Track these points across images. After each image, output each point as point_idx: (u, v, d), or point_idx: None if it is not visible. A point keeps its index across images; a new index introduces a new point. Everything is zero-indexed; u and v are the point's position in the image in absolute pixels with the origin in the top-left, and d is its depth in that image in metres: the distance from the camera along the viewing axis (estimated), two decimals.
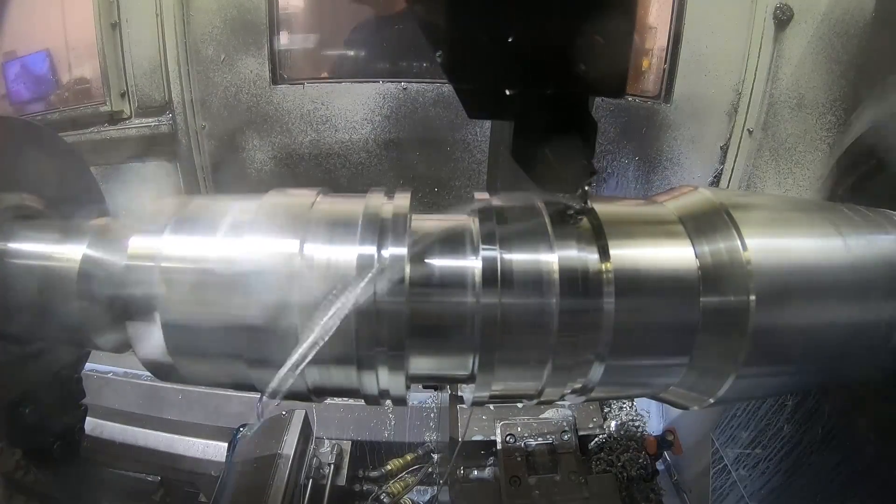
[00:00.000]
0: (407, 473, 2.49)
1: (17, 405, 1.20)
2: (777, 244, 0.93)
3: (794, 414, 1.57)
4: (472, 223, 0.97)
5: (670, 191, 1.08)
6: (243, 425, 2.19)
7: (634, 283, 0.91)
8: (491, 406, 2.06)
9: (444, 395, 2.35)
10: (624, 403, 2.41)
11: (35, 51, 2.85)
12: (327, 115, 2.79)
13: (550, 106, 0.90)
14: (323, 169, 2.87)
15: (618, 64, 0.85)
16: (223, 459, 2.10)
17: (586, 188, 0.94)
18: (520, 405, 2.06)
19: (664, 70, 2.80)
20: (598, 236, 0.93)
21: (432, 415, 2.66)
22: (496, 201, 1.01)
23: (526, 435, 1.99)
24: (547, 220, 0.95)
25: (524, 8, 0.78)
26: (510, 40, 0.78)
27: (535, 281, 0.89)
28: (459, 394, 2.07)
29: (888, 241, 0.99)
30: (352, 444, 2.40)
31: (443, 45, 0.80)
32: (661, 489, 2.17)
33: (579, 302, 0.89)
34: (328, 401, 1.08)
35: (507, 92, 0.88)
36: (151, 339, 0.93)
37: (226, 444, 2.14)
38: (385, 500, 2.37)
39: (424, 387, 2.53)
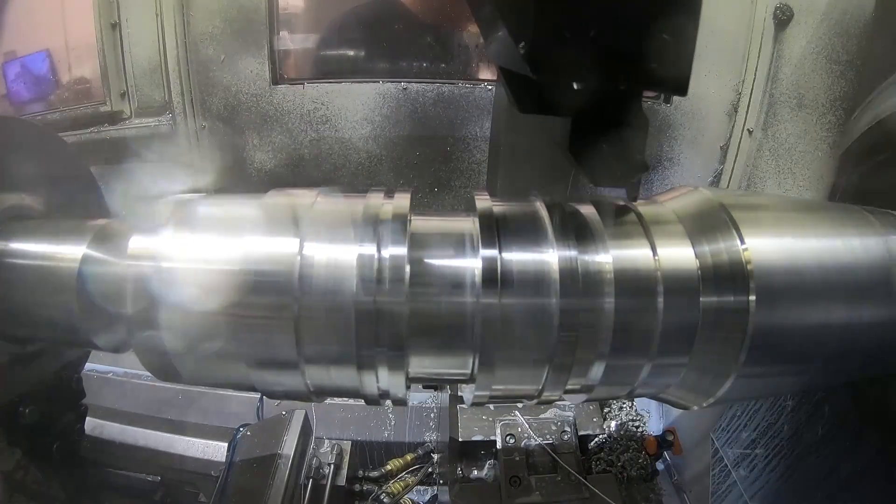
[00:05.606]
0: (407, 473, 2.49)
1: (17, 405, 1.20)
2: (777, 244, 0.93)
3: (794, 414, 1.57)
4: (472, 223, 0.97)
5: (670, 191, 1.08)
6: (243, 425, 2.19)
7: (634, 283, 0.91)
8: (491, 406, 2.06)
9: (444, 395, 2.34)
10: (624, 403, 2.41)
11: (35, 51, 2.85)
12: (327, 115, 2.79)
13: (608, 101, 0.93)
14: (323, 169, 2.87)
15: (683, 62, 0.90)
16: (223, 459, 2.10)
17: (637, 182, 0.98)
18: (520, 405, 2.06)
19: None
20: (598, 236, 0.93)
21: (432, 415, 2.66)
22: (496, 201, 1.01)
23: (526, 435, 1.99)
24: (546, 220, 0.95)
25: (607, 5, 0.82)
26: (592, 34, 0.81)
27: (534, 281, 0.89)
28: (459, 394, 2.07)
29: (889, 241, 0.98)
30: (352, 444, 2.40)
31: (526, 38, 0.82)
32: (661, 489, 2.17)
33: (579, 302, 0.89)
34: (328, 401, 1.08)
35: (575, 86, 0.90)
36: (152, 340, 0.93)
37: (226, 444, 2.14)
38: (385, 500, 2.37)
39: (424, 387, 2.56)
